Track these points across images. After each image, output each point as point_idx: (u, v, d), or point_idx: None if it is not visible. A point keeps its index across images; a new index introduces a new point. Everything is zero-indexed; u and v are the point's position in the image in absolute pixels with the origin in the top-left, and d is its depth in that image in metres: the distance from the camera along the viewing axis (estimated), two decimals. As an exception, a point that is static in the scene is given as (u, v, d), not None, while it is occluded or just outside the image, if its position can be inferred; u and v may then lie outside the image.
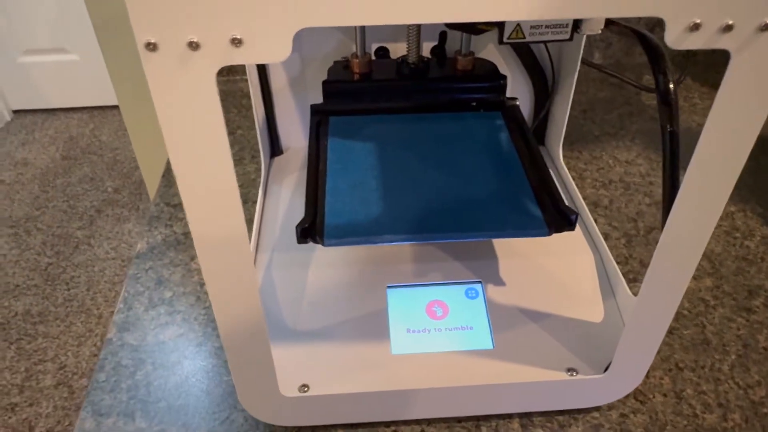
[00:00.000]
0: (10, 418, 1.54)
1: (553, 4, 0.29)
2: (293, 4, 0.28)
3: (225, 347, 0.43)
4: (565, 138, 0.87)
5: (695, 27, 0.31)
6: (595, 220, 0.72)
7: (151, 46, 0.29)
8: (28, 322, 1.77)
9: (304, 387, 0.49)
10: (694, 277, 0.65)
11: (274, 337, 0.52)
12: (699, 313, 0.61)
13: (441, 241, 0.51)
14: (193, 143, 0.32)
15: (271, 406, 0.48)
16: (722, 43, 0.31)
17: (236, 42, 0.29)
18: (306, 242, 0.48)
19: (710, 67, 1.04)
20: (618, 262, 0.66)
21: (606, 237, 0.69)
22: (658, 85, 0.41)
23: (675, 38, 0.31)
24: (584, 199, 0.75)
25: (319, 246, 0.49)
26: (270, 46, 0.30)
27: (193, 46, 0.29)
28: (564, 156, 0.83)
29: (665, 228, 0.39)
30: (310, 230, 0.48)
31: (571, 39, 0.49)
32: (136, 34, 0.29)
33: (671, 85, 0.41)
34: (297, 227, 0.47)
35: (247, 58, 0.30)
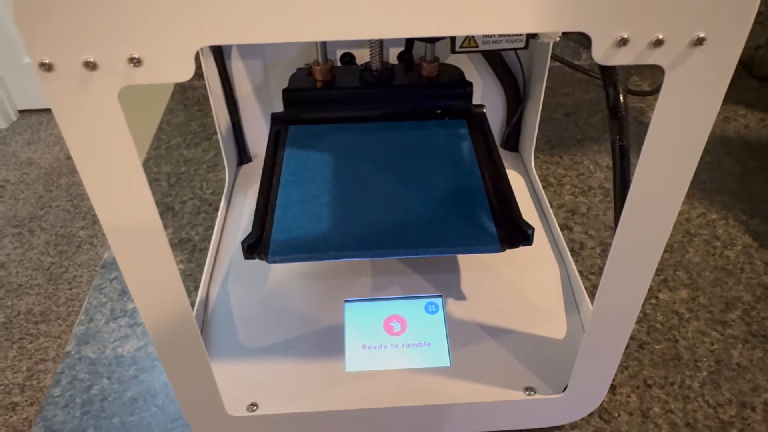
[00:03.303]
0: (11, 417, 1.54)
1: (476, 20, 0.28)
2: (191, 21, 0.27)
3: (163, 365, 0.42)
4: (545, 142, 0.85)
5: (623, 42, 0.29)
6: (571, 229, 0.70)
7: (46, 66, 0.28)
8: (30, 322, 1.78)
9: (252, 406, 0.48)
10: (670, 289, 0.63)
11: (222, 353, 0.51)
12: (672, 327, 0.59)
13: (388, 257, 0.50)
14: (101, 165, 0.31)
15: (217, 426, 0.47)
16: (654, 58, 0.29)
17: (135, 61, 0.28)
18: (253, 258, 0.46)
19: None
20: (591, 273, 0.64)
21: (581, 246, 0.68)
22: (608, 98, 0.39)
23: (603, 54, 0.29)
24: (562, 206, 0.73)
25: None
26: (171, 65, 0.28)
27: (90, 66, 0.28)
28: (543, 161, 0.81)
29: (615, 238, 0.37)
30: (256, 246, 0.46)
31: (526, 47, 0.47)
32: (29, 54, 0.27)
33: (621, 98, 0.39)
34: (243, 243, 0.46)
35: (149, 77, 0.29)
